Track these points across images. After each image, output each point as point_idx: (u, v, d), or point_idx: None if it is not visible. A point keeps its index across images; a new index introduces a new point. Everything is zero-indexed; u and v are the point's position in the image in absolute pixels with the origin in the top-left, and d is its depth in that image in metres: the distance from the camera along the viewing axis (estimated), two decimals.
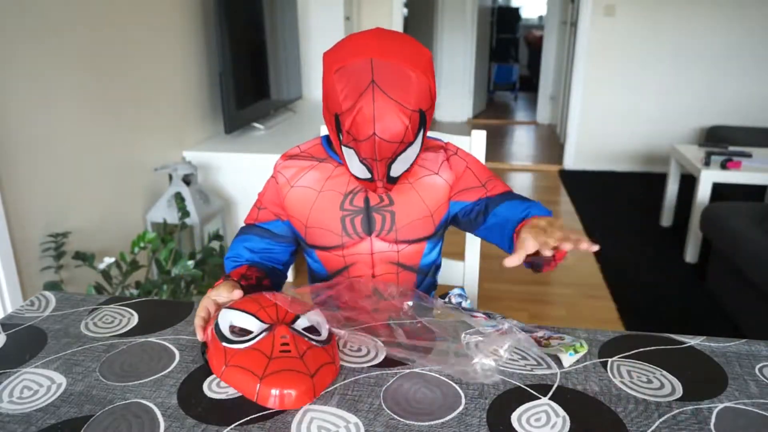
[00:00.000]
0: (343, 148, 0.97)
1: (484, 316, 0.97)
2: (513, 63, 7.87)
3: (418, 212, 1.08)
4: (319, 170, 1.09)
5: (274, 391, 0.80)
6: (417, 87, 0.91)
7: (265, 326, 0.87)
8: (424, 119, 0.95)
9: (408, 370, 0.88)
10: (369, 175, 0.98)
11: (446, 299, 1.02)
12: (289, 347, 0.84)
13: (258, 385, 0.81)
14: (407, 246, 1.10)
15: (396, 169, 0.98)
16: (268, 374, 0.81)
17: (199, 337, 0.92)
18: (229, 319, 0.89)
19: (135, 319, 1.04)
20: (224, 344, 0.86)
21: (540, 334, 0.96)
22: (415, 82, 0.91)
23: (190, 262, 1.98)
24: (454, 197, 1.09)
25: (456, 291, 1.04)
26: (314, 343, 0.87)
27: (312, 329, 0.92)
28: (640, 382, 0.86)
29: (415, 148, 0.97)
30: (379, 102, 0.89)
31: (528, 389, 0.84)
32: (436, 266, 1.18)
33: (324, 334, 0.91)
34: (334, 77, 0.92)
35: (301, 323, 0.90)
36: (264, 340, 0.85)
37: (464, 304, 1.01)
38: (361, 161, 0.96)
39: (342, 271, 1.13)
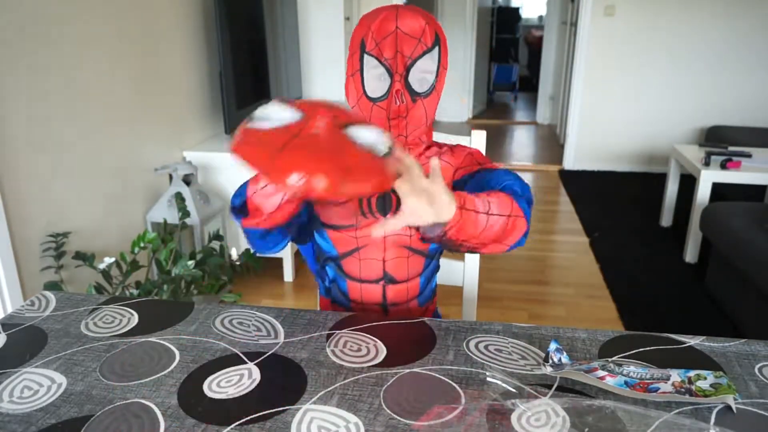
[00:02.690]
0: (365, 58, 1.02)
1: (600, 369, 0.86)
2: (513, 63, 7.87)
3: None
4: None
5: (290, 170, 0.67)
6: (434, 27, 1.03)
7: (299, 115, 0.74)
8: (440, 47, 1.03)
9: (408, 370, 0.88)
10: (386, 86, 1.02)
11: (549, 360, 0.88)
12: (320, 131, 0.70)
13: (272, 158, 0.68)
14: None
15: (414, 77, 1.02)
16: (289, 149, 0.69)
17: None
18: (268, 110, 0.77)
19: (135, 319, 1.04)
20: (248, 123, 0.75)
21: (675, 378, 0.85)
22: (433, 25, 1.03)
23: (191, 262, 1.98)
24: (455, 176, 1.12)
25: (553, 346, 0.89)
26: (360, 145, 0.72)
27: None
28: None
29: (432, 59, 1.03)
30: (402, 8, 1.02)
31: (528, 389, 0.84)
32: (440, 249, 1.20)
33: (382, 150, 0.74)
34: (362, 25, 1.03)
35: (357, 132, 0.74)
36: (295, 123, 0.72)
37: (564, 359, 0.88)
38: (382, 63, 1.01)
39: (353, 252, 1.13)
